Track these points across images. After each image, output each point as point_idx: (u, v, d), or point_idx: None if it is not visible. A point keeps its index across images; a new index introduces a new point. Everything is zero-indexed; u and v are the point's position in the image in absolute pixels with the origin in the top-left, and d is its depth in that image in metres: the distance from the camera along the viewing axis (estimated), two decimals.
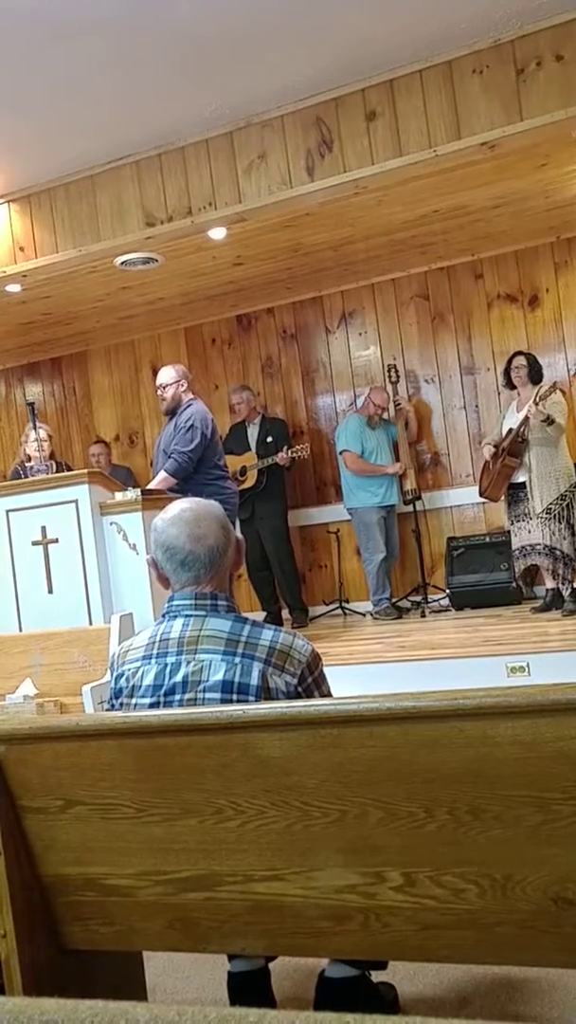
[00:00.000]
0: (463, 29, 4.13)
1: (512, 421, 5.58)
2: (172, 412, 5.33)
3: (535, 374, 5.64)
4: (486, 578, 6.13)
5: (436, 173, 4.81)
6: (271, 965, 2.11)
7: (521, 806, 1.43)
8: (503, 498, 5.68)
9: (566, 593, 5.36)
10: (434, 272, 6.83)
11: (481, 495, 5.77)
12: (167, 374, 5.36)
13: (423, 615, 6.16)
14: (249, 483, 6.51)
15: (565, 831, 1.41)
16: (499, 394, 6.38)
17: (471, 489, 6.29)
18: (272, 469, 6.51)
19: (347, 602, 6.88)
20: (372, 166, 4.52)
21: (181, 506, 1.99)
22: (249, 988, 2.05)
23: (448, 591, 6.29)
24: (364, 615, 6.57)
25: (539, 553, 5.42)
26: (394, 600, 6.41)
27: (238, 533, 2.09)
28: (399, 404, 6.60)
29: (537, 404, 5.29)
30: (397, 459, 6.51)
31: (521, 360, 5.68)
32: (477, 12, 4.01)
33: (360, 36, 4.10)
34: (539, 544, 5.40)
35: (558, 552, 5.35)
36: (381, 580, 6.31)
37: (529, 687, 1.43)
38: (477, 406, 6.78)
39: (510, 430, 5.54)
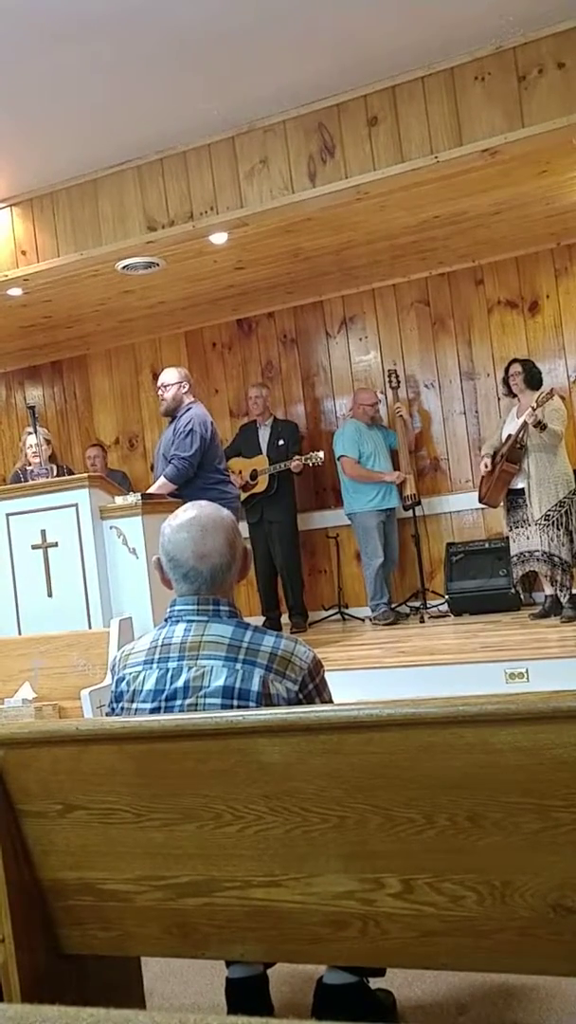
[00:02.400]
0: (465, 36, 4.14)
1: (512, 427, 5.59)
2: (171, 413, 5.32)
3: (533, 380, 5.64)
4: (485, 584, 6.13)
5: (437, 179, 4.82)
6: (269, 971, 2.11)
7: (521, 813, 1.43)
8: (502, 504, 5.68)
9: (564, 600, 5.36)
10: (435, 278, 6.85)
11: (480, 501, 5.78)
12: (170, 375, 5.37)
13: (422, 620, 6.16)
14: (260, 487, 6.50)
15: (565, 838, 1.41)
16: (499, 400, 6.38)
17: (470, 495, 6.29)
18: (283, 474, 6.50)
19: (346, 607, 6.88)
20: (374, 171, 4.53)
21: (190, 515, 1.97)
22: (247, 994, 2.05)
23: (447, 597, 6.29)
24: (363, 620, 6.57)
25: (537, 559, 5.42)
26: (393, 605, 6.41)
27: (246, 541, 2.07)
28: (399, 410, 6.60)
29: (535, 409, 5.29)
30: (396, 465, 6.51)
31: (517, 367, 5.68)
32: (479, 19, 4.02)
33: (362, 42, 4.11)
34: (537, 550, 5.40)
35: (556, 559, 5.35)
36: (379, 585, 6.31)
37: (529, 694, 1.43)
38: (477, 412, 6.78)
39: (509, 436, 5.54)
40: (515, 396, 5.69)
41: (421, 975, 2.22)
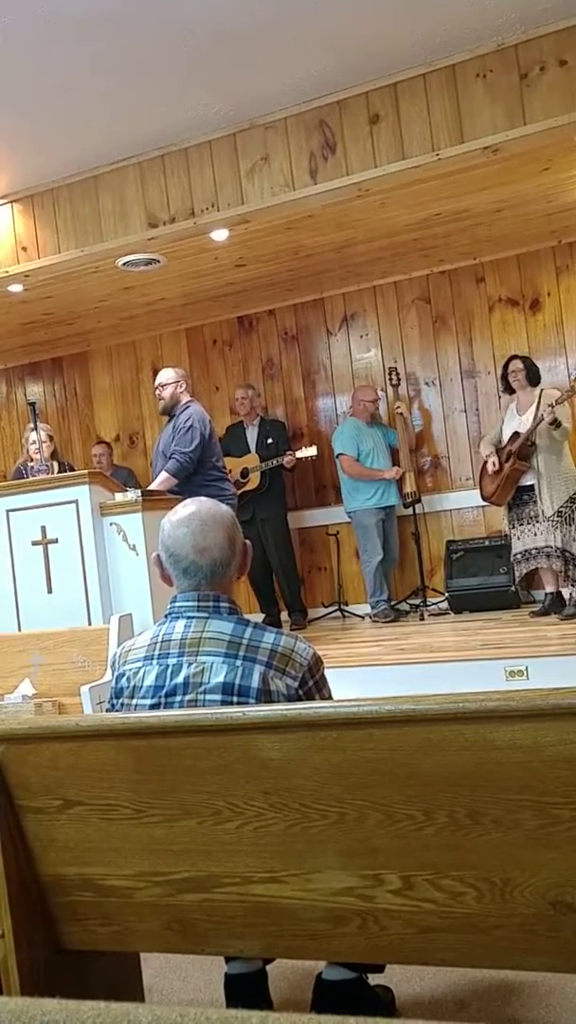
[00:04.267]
0: (467, 33, 4.14)
1: (513, 424, 5.58)
2: (168, 412, 5.39)
3: (532, 376, 5.65)
4: (485, 581, 6.13)
5: (438, 176, 4.82)
6: (268, 967, 2.11)
7: (520, 810, 1.43)
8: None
9: (568, 595, 5.36)
10: (436, 275, 6.84)
11: (486, 499, 5.75)
12: (167, 374, 5.44)
13: (422, 618, 6.16)
14: (252, 485, 6.51)
15: (564, 835, 1.41)
16: (499, 397, 6.39)
17: (471, 492, 6.29)
18: (274, 471, 6.51)
19: (346, 604, 6.88)
20: (375, 169, 4.53)
21: (190, 510, 1.96)
22: (246, 990, 2.05)
23: (447, 594, 6.29)
24: (363, 618, 6.57)
25: (547, 556, 5.41)
26: (393, 603, 6.40)
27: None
28: (399, 409, 6.59)
29: (553, 406, 5.29)
30: (396, 463, 6.51)
31: (517, 364, 5.68)
32: (481, 16, 4.02)
33: (364, 39, 4.10)
34: (548, 547, 5.40)
35: (569, 554, 5.36)
36: (378, 582, 6.31)
37: (529, 691, 1.43)
38: (478, 409, 6.78)
39: (515, 434, 5.53)
40: (513, 392, 5.70)
41: (420, 971, 2.23)
